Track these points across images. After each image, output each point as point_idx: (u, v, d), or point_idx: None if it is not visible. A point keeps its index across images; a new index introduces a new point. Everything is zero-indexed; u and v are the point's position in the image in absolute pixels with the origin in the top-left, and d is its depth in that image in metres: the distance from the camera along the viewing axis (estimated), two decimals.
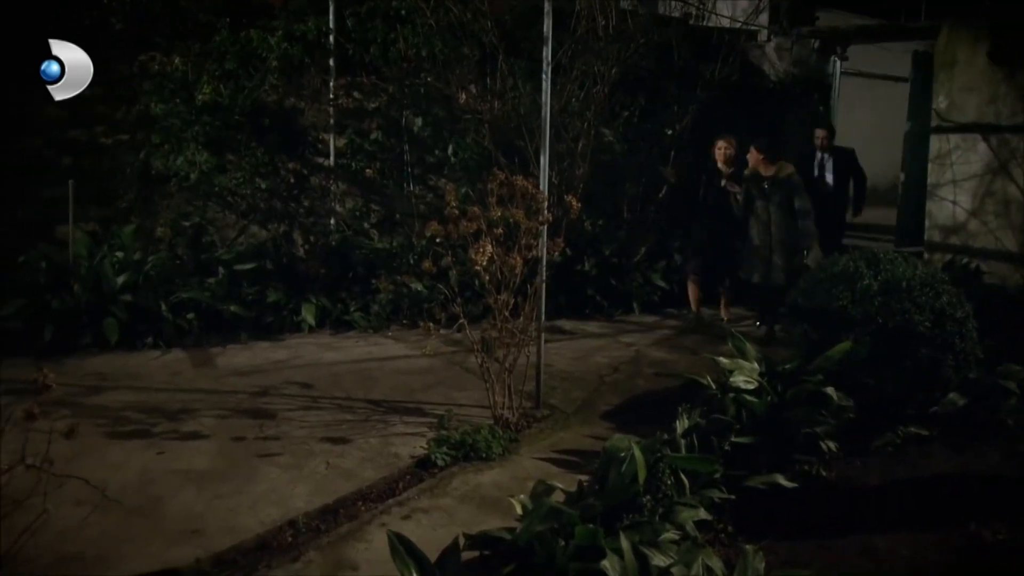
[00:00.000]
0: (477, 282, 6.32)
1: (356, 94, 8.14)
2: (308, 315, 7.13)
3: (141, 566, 3.53)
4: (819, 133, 8.26)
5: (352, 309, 7.36)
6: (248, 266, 7.33)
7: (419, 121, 8.13)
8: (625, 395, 5.89)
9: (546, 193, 5.33)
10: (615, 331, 7.62)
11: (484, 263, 4.73)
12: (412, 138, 8.26)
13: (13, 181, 7.35)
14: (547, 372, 5.67)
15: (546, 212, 5.09)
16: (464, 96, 7.64)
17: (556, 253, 5.32)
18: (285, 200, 7.91)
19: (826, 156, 8.18)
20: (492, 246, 4.75)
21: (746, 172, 7.25)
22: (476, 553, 3.24)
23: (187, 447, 4.71)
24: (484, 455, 4.69)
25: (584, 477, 4.14)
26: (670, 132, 8.64)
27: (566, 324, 7.52)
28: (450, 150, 8.15)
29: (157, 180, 7.56)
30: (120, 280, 6.70)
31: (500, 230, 4.77)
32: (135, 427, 4.99)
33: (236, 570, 3.57)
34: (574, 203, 5.12)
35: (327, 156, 8.14)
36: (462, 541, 3.10)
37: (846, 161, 8.23)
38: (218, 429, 4.98)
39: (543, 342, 5.54)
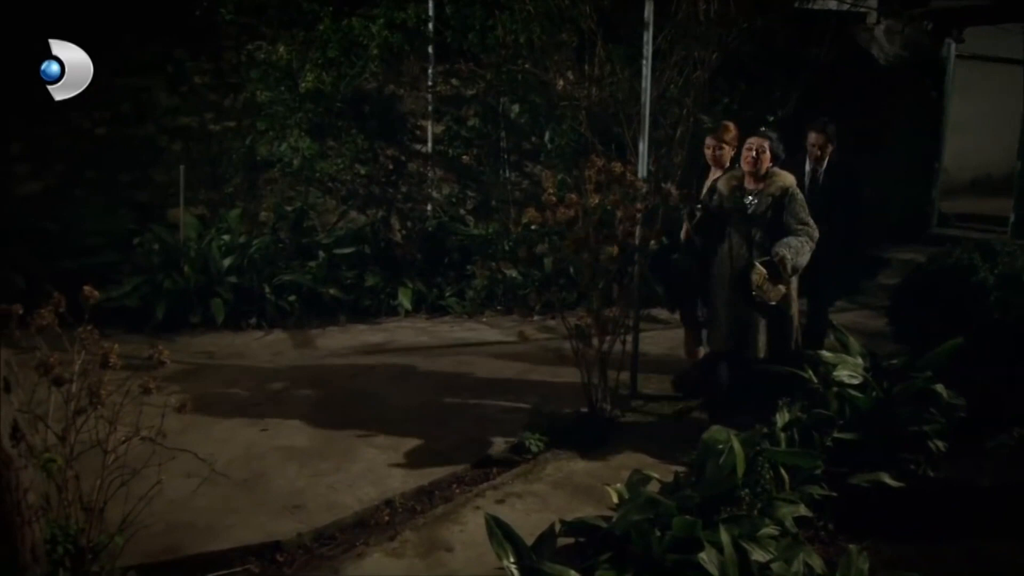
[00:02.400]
0: (572, 269, 6.33)
1: (454, 81, 8.21)
2: (404, 299, 7.25)
3: (246, 537, 3.66)
4: (813, 137, 5.51)
5: (447, 294, 7.44)
6: (347, 250, 7.50)
7: (516, 108, 8.14)
8: None
9: (644, 180, 5.26)
10: None
11: (580, 250, 4.71)
12: (509, 125, 8.28)
13: (131, 166, 7.70)
14: (642, 361, 5.61)
15: (644, 199, 5.03)
16: (562, 82, 7.60)
17: (653, 241, 5.25)
18: (383, 186, 8.04)
19: (819, 171, 5.56)
20: (589, 233, 4.72)
21: (719, 182, 4.98)
22: (571, 540, 3.25)
23: (288, 425, 4.86)
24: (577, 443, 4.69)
25: (679, 468, 4.08)
26: (772, 119, 8.41)
27: (662, 313, 7.42)
28: (547, 137, 8.14)
29: (262, 166, 7.80)
30: (226, 262, 6.95)
31: (596, 217, 4.74)
32: (240, 404, 5.17)
33: (336, 546, 3.67)
34: (673, 191, 5.04)
35: (425, 142, 8.24)
36: (558, 527, 3.10)
37: (843, 182, 5.54)
38: (318, 408, 5.11)
39: (639, 331, 5.48)
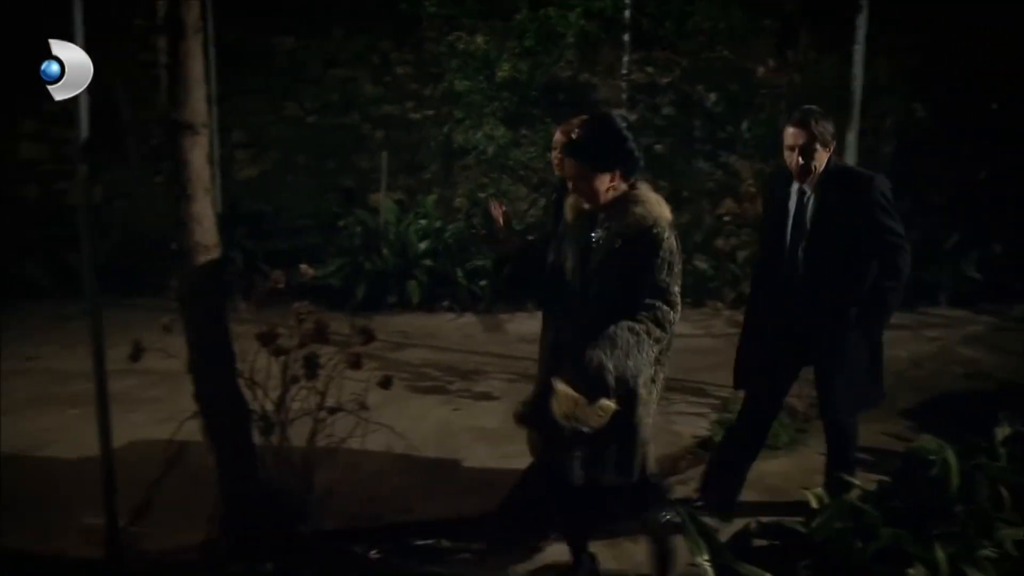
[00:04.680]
0: None
1: (649, 69, 8.11)
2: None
3: (439, 511, 3.80)
4: (790, 135, 3.53)
5: None
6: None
7: (712, 96, 7.94)
8: (927, 393, 5.41)
9: None
10: (916, 324, 7.00)
11: None
12: (704, 113, 8.09)
13: (337, 153, 8.15)
14: None
15: None
16: (762, 69, 7.34)
17: None
18: None
19: (807, 192, 3.59)
20: None
21: (567, 203, 3.11)
22: (765, 542, 3.14)
23: (479, 406, 4.99)
24: (770, 443, 4.51)
25: (880, 477, 3.85)
26: (995, 107, 7.75)
27: None
28: (744, 126, 7.88)
29: (458, 153, 8.04)
30: (422, 246, 7.23)
31: None
32: (433, 383, 5.36)
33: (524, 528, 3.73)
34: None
35: None
36: (753, 527, 3.01)
37: (849, 208, 3.53)
38: (507, 392, 5.21)
39: None
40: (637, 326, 2.80)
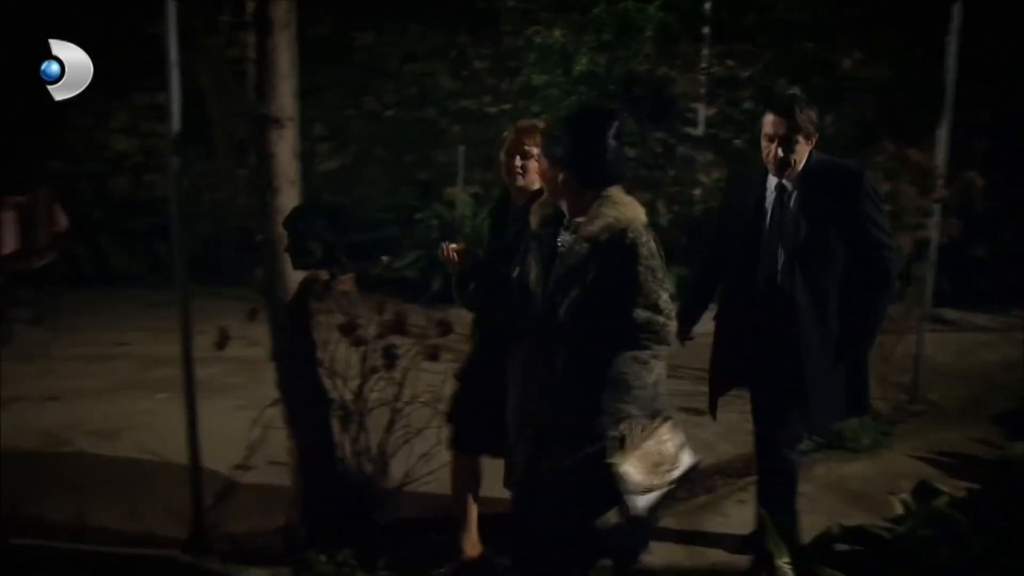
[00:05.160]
0: None
1: (729, 62, 7.95)
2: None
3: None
4: (769, 122, 3.14)
5: None
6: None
7: (795, 89, 7.75)
8: (1019, 399, 5.19)
9: (943, 169, 4.83)
10: (1009, 326, 6.73)
11: None
12: None
13: (414, 147, 8.24)
14: (926, 365, 5.17)
15: (942, 189, 4.62)
16: (848, 62, 7.13)
17: (950, 235, 4.81)
18: (651, 169, 7.99)
19: (788, 189, 3.19)
20: None
21: (533, 207, 2.84)
22: (847, 547, 3.06)
23: None
24: (851, 445, 4.42)
25: (969, 484, 3.72)
26: None
27: (950, 314, 6.80)
28: (827, 120, 7.68)
29: None
30: None
31: (890, 207, 4.41)
32: None
33: None
34: (977, 180, 4.58)
35: (695, 126, 8.07)
36: (835, 531, 2.94)
37: (832, 202, 3.13)
38: None
39: (925, 331, 5.06)
40: (642, 353, 2.49)
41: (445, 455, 3.92)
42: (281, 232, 3.25)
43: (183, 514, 3.52)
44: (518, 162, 3.07)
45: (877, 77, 7.16)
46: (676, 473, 2.52)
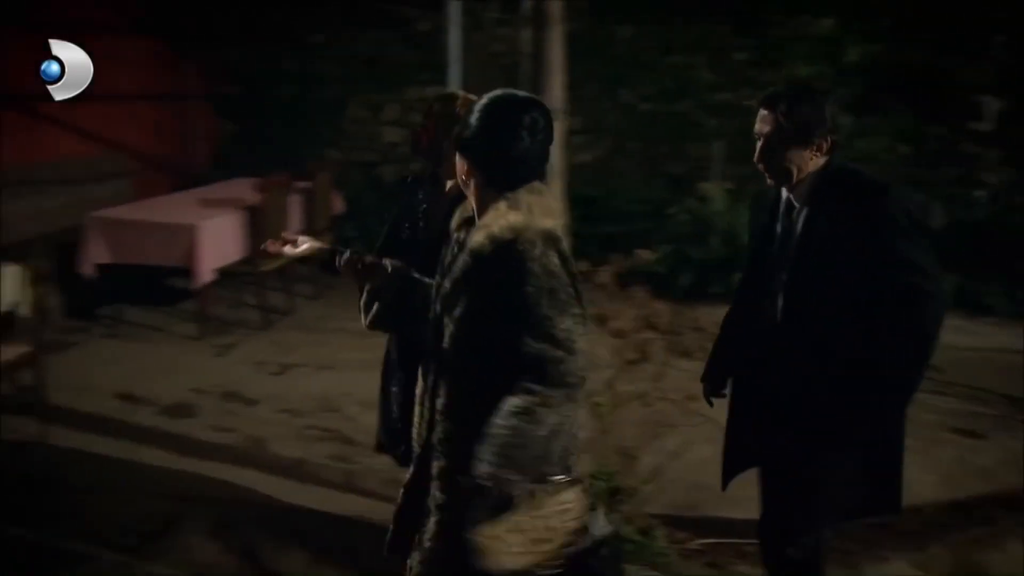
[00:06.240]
0: None
1: None
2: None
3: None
4: (758, 117, 2.48)
5: (992, 291, 6.61)
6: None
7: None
8: None
9: None
10: None
11: None
12: None
13: (668, 140, 8.15)
14: None
15: None
16: None
17: None
18: (925, 167, 7.39)
19: (795, 205, 2.51)
20: None
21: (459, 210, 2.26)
22: None
23: None
24: None
25: None
26: None
27: None
28: None
29: None
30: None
31: None
32: None
33: (857, 542, 3.50)
34: None
35: (980, 120, 7.35)
36: None
37: (858, 229, 2.37)
38: None
39: None
40: (525, 400, 1.89)
41: (692, 454, 3.87)
42: None
43: None
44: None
45: None
46: (570, 551, 1.94)
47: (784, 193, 2.50)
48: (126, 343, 5.90)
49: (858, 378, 2.32)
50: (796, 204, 2.47)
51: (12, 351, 4.26)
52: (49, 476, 3.88)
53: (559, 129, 3.30)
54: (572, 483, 1.97)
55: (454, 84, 3.36)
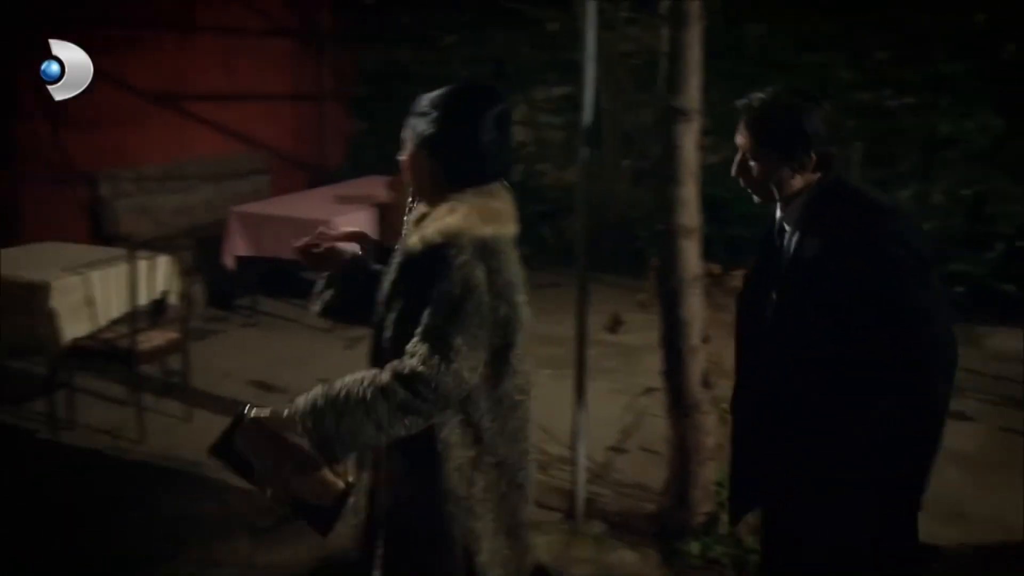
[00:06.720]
0: None
1: None
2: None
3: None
4: (740, 128, 2.14)
5: None
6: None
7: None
8: None
9: None
10: None
11: None
12: None
13: None
14: None
15: None
16: None
17: None
18: None
19: (787, 228, 2.16)
20: None
21: (408, 220, 2.07)
22: None
23: (952, 427, 4.48)
24: None
25: None
26: None
27: None
28: None
29: (939, 144, 7.30)
30: None
31: None
32: None
33: (1000, 564, 3.32)
34: None
35: None
36: None
37: (849, 262, 1.98)
38: (985, 414, 4.66)
39: None
40: (369, 383, 1.81)
41: None
42: (681, 223, 3.27)
43: (560, 485, 3.73)
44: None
45: None
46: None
47: (779, 211, 2.18)
48: (262, 333, 6.15)
49: (868, 414, 2.00)
50: (787, 227, 2.14)
51: (162, 336, 4.51)
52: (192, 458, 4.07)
53: (695, 131, 3.24)
54: (346, 489, 1.93)
55: (589, 84, 3.33)
